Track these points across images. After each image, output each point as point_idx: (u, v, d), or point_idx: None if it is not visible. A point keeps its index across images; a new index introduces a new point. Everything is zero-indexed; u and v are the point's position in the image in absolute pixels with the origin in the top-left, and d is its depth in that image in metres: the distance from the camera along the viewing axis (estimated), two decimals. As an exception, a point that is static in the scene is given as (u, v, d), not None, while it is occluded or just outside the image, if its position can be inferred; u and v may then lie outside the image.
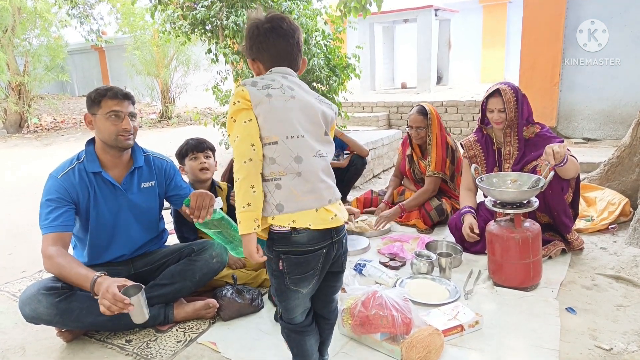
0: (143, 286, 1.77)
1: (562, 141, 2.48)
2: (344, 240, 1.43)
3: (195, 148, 2.56)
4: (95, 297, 1.75)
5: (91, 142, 2.07)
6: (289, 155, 1.30)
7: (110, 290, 1.67)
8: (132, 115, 2.03)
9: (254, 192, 1.28)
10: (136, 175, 2.11)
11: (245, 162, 1.28)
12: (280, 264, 1.35)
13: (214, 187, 2.63)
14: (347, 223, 2.94)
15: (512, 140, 2.65)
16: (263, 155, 1.31)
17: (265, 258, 1.36)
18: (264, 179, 1.32)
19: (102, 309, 1.67)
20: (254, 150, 1.28)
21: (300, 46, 1.44)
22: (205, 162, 2.55)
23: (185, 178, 2.47)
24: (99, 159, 2.03)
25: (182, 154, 2.60)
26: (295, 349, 1.48)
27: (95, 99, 1.97)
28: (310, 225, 1.30)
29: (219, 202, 1.94)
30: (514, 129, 2.63)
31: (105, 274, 1.79)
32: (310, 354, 1.48)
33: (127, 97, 2.01)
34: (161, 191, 2.22)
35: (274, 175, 1.31)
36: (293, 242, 1.32)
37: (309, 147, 1.34)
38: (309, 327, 1.47)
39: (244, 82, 1.34)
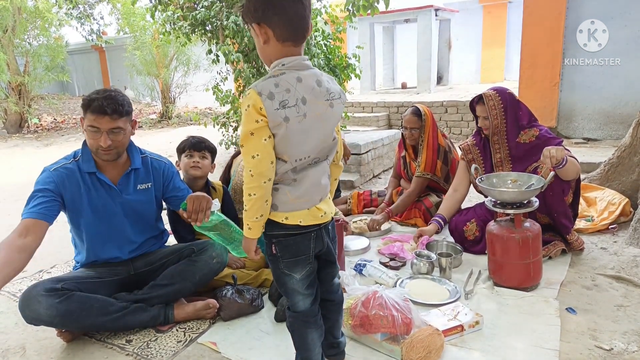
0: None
1: (562, 142, 2.48)
2: (330, 227, 1.49)
3: (193, 146, 2.55)
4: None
5: None
6: (289, 170, 1.35)
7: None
8: (115, 130, 1.93)
9: (267, 204, 1.34)
10: (132, 176, 2.10)
11: (265, 182, 1.30)
12: (273, 247, 1.42)
13: (208, 188, 2.62)
14: (346, 223, 2.95)
15: (501, 148, 2.64)
16: None
17: (259, 256, 1.45)
18: None
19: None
20: (272, 167, 1.31)
21: (311, 6, 1.34)
22: (198, 162, 2.53)
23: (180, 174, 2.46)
24: (95, 159, 2.02)
25: (180, 150, 2.60)
26: (298, 341, 1.52)
27: (83, 107, 1.93)
28: (300, 222, 1.38)
29: (216, 204, 1.94)
30: (502, 136, 2.62)
31: None
32: (311, 348, 1.50)
33: (107, 112, 1.88)
34: (158, 193, 2.21)
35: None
36: (282, 227, 1.38)
37: (310, 159, 1.37)
38: (313, 318, 1.49)
39: (259, 91, 1.25)
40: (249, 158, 1.28)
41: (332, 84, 1.39)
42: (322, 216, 1.41)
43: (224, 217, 1.97)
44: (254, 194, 1.31)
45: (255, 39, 1.36)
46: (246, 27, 1.42)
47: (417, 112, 3.26)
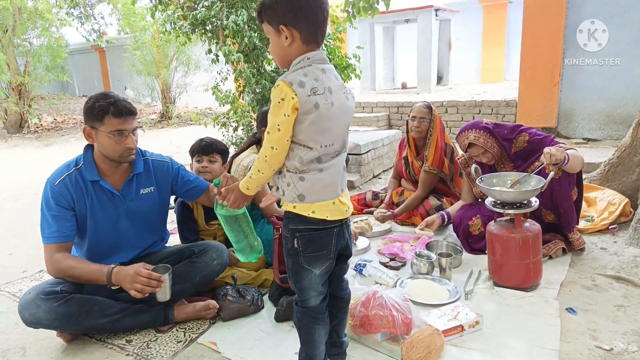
0: (170, 267, 1.93)
1: (554, 138, 2.57)
2: (348, 223, 1.53)
3: (202, 151, 2.52)
4: (113, 287, 1.86)
5: (89, 147, 2.02)
6: (314, 158, 1.38)
7: (143, 273, 1.82)
8: (135, 130, 1.98)
9: (266, 180, 1.44)
10: (135, 181, 2.08)
11: (274, 169, 1.40)
12: (295, 242, 1.44)
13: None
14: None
15: (506, 166, 2.71)
16: (292, 150, 1.38)
17: (275, 198, 1.51)
18: (288, 170, 1.40)
19: (133, 292, 1.81)
20: (283, 160, 1.40)
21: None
22: (207, 167, 2.51)
23: None
24: (97, 166, 2.00)
25: (191, 153, 2.58)
26: (304, 336, 1.53)
27: (98, 115, 1.88)
28: (327, 217, 1.42)
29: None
30: (504, 156, 2.70)
31: (118, 265, 1.89)
32: (317, 344, 1.52)
33: (131, 112, 1.93)
34: (165, 194, 2.19)
35: (297, 170, 1.39)
36: (307, 222, 1.42)
37: (333, 151, 1.42)
38: (321, 314, 1.51)
39: (290, 81, 1.30)
40: (269, 147, 1.36)
41: (346, 89, 1.47)
42: (346, 211, 1.46)
43: (247, 212, 1.92)
44: (262, 173, 1.40)
45: (276, 39, 1.39)
46: (261, 26, 1.45)
47: (428, 105, 3.31)
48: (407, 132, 3.40)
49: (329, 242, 1.44)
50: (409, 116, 3.37)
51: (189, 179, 2.24)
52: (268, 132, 1.35)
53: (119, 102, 1.90)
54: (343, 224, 1.48)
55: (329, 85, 1.36)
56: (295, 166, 1.38)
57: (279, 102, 1.31)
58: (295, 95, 1.29)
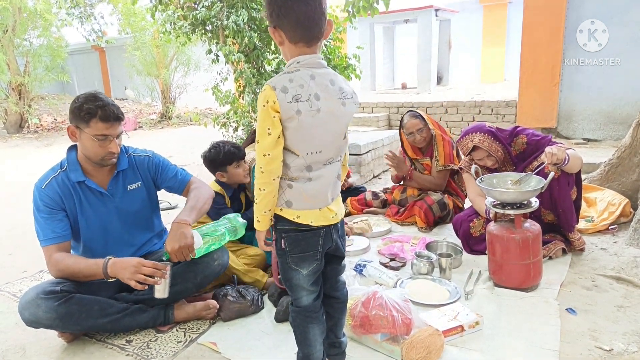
0: (171, 263, 1.92)
1: (550, 138, 2.56)
2: (339, 225, 1.51)
3: (241, 157, 2.60)
4: (110, 280, 1.86)
5: (73, 148, 2.02)
6: (302, 166, 1.38)
7: (147, 264, 1.83)
8: (120, 135, 1.97)
9: (274, 199, 1.41)
10: (121, 178, 2.09)
11: (274, 179, 1.36)
12: (282, 242, 1.44)
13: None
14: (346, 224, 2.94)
15: (507, 169, 2.70)
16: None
17: (269, 248, 1.50)
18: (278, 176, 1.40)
19: (133, 283, 1.80)
20: (281, 165, 1.36)
21: (323, 8, 1.35)
22: (247, 169, 2.64)
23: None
24: (82, 166, 2.00)
25: (225, 162, 2.57)
26: (299, 335, 1.53)
27: (85, 117, 1.86)
28: (312, 222, 1.41)
29: (198, 242, 1.98)
30: (507, 159, 2.67)
31: (112, 257, 1.89)
32: (312, 344, 1.52)
33: (118, 118, 1.92)
34: (151, 190, 2.20)
35: (286, 176, 1.40)
36: (293, 224, 1.42)
37: (324, 158, 1.40)
38: (315, 313, 1.51)
39: (274, 85, 1.31)
40: (261, 156, 1.33)
41: (345, 85, 1.44)
42: (332, 217, 1.45)
43: (207, 237, 2.05)
44: (264, 189, 1.37)
45: None
46: None
47: (415, 115, 3.32)
48: (405, 143, 3.42)
49: (315, 244, 1.44)
50: (403, 132, 3.37)
51: (168, 175, 2.22)
52: (258, 141, 1.34)
53: (107, 107, 1.88)
54: (331, 226, 1.47)
55: (316, 91, 1.33)
56: (284, 173, 1.38)
57: (264, 106, 1.30)
58: (277, 99, 1.29)
